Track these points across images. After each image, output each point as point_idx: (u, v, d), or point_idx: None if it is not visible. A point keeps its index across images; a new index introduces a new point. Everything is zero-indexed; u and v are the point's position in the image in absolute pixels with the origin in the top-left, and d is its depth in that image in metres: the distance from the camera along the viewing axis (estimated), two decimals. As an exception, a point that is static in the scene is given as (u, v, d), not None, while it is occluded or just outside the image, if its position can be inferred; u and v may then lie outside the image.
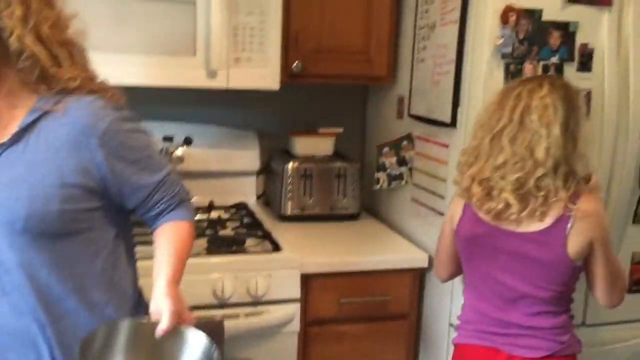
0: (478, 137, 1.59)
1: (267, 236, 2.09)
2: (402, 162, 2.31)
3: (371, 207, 2.60)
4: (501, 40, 1.77)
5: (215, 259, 1.89)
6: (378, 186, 2.38)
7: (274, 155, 2.50)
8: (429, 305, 2.15)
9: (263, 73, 2.07)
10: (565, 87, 1.54)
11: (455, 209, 1.66)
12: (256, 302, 1.87)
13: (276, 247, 1.98)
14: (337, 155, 2.49)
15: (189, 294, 1.20)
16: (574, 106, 1.52)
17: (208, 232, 2.10)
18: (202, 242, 1.98)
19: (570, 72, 1.86)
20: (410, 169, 2.27)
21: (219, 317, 1.80)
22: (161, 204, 1.24)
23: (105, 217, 1.21)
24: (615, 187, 1.97)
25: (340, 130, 2.48)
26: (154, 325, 1.10)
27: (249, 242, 2.04)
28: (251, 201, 2.48)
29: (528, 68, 1.83)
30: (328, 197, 2.39)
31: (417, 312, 2.14)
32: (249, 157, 2.46)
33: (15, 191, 1.12)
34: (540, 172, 1.48)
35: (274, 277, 1.89)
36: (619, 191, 1.97)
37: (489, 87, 1.82)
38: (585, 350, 2.03)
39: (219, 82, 2.03)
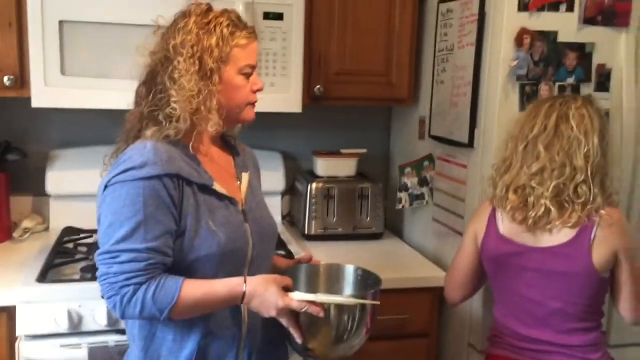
0: (509, 147, 1.62)
1: (290, 255, 2.13)
2: (423, 182, 2.34)
3: (394, 227, 2.63)
4: (515, 62, 1.80)
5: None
6: (400, 206, 2.41)
7: (298, 176, 2.56)
8: (447, 325, 2.16)
9: (286, 97, 2.15)
10: (597, 105, 1.59)
11: (478, 227, 1.68)
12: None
13: (297, 266, 2.03)
14: (361, 175, 2.54)
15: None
16: (605, 123, 1.57)
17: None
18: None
19: (587, 93, 1.87)
20: (431, 189, 2.30)
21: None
22: None
23: None
24: (635, 208, 1.96)
25: (363, 151, 2.52)
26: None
27: (272, 260, 2.09)
28: (276, 221, 2.53)
29: (544, 89, 1.86)
30: (351, 217, 2.44)
31: (437, 331, 2.15)
32: (274, 178, 2.52)
33: None
34: (579, 178, 1.50)
35: (294, 295, 1.93)
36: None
37: (505, 109, 1.85)
38: (610, 373, 2.02)
39: (242, 107, 2.10)
